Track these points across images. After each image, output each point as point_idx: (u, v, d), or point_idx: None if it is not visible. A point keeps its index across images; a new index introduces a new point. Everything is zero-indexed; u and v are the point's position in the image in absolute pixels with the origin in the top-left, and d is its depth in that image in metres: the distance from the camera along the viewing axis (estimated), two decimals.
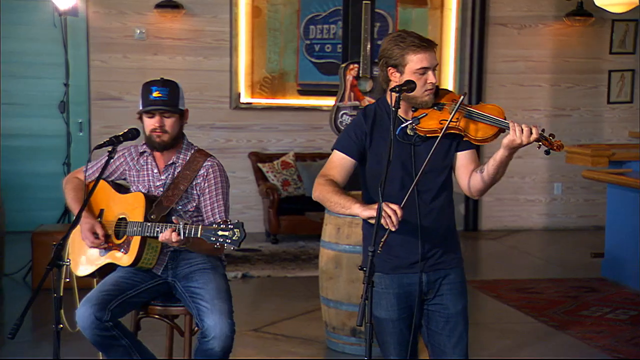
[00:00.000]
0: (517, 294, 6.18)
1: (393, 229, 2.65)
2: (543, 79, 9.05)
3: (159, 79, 3.43)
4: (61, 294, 2.78)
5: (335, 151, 2.99)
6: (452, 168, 3.00)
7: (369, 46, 5.03)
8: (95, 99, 8.07)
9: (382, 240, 2.67)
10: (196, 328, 3.32)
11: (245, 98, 8.32)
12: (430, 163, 2.85)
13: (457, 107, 2.82)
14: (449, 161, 2.97)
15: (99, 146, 3.14)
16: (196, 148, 3.49)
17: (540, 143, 2.75)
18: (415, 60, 2.85)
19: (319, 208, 4.86)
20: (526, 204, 9.15)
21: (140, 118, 3.39)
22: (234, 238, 2.88)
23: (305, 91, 8.44)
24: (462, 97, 2.86)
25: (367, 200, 2.99)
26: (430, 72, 2.85)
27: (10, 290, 5.96)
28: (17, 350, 4.67)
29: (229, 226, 2.89)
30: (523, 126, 2.74)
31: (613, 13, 7.37)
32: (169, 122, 3.34)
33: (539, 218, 9.17)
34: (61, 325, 2.80)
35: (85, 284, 3.53)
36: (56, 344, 2.77)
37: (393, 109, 2.74)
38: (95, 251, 3.42)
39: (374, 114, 2.97)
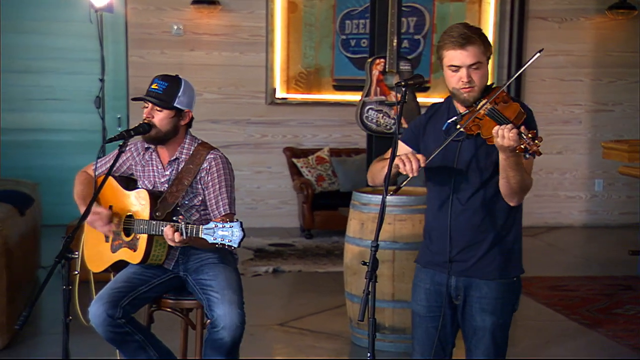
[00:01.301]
0: (550, 291, 6.08)
1: (411, 175, 2.70)
2: (584, 73, 8.88)
3: (168, 74, 3.45)
4: (70, 287, 2.82)
5: (399, 141, 3.00)
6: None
7: (395, 41, 4.99)
8: (133, 95, 8.17)
9: (401, 185, 2.78)
10: (207, 320, 3.33)
11: (280, 93, 8.34)
12: (469, 161, 2.82)
13: (483, 104, 2.76)
14: (492, 162, 2.84)
15: (110, 140, 3.17)
16: (199, 141, 3.49)
17: (522, 146, 2.60)
18: (447, 57, 2.81)
19: None
20: (566, 200, 9.00)
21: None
22: (233, 238, 2.87)
23: (340, 86, 8.42)
24: (493, 95, 2.78)
25: (429, 190, 3.00)
26: (463, 70, 2.77)
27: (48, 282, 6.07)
28: (49, 342, 4.76)
29: (227, 226, 2.89)
30: (505, 128, 2.61)
31: None
32: (158, 116, 3.34)
33: (579, 215, 9.01)
34: (70, 318, 2.84)
35: (102, 277, 3.57)
36: (65, 336, 2.81)
37: (398, 103, 2.72)
38: (107, 249, 3.45)
39: (436, 109, 2.97)
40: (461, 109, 2.88)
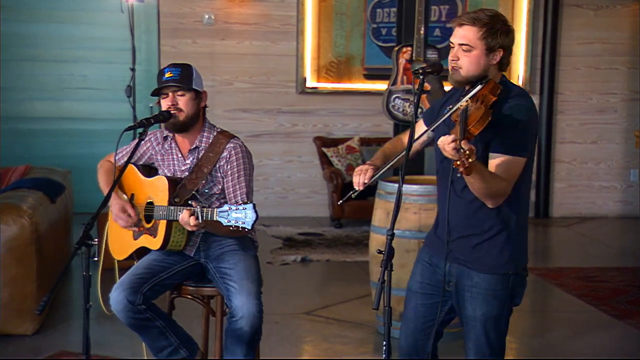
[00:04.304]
0: (581, 282, 6.01)
1: (357, 188, 2.87)
2: (620, 62, 8.73)
3: (174, 62, 3.49)
4: (90, 273, 2.86)
5: (422, 119, 3.05)
6: None
7: (422, 29, 4.95)
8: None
9: (346, 197, 2.93)
10: (227, 309, 3.35)
11: (311, 82, 8.33)
12: None
13: (463, 100, 2.68)
14: (485, 156, 2.78)
15: (130, 128, 3.20)
16: (219, 130, 3.50)
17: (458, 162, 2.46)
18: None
19: None
20: (601, 190, 8.87)
21: (160, 104, 3.44)
22: (246, 219, 2.90)
23: (371, 75, 8.38)
24: (473, 91, 2.70)
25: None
26: (454, 48, 2.77)
27: (77, 268, 6.14)
28: (78, 327, 4.81)
29: (240, 208, 2.91)
30: (446, 140, 2.47)
31: None
32: (182, 100, 3.36)
33: (614, 205, 8.87)
34: (90, 304, 2.88)
35: (127, 264, 3.61)
36: (86, 322, 2.85)
37: (416, 91, 2.70)
38: (129, 236, 3.49)
39: (452, 93, 2.94)
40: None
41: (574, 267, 6.50)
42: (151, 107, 8.12)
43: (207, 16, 8.19)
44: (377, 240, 4.76)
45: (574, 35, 8.63)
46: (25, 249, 4.52)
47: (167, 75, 3.36)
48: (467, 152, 2.41)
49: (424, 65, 2.82)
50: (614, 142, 8.77)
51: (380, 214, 4.73)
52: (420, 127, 3.01)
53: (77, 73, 8.20)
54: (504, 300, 2.84)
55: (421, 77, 2.72)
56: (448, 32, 8.40)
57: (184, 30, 8.17)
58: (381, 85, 8.27)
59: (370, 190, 7.68)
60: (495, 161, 2.71)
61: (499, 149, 2.70)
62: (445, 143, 2.46)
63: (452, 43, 2.79)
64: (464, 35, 2.75)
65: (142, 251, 3.47)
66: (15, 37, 7.96)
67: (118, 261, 3.56)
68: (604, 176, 8.85)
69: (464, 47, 2.74)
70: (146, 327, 3.30)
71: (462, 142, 2.44)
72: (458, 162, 2.42)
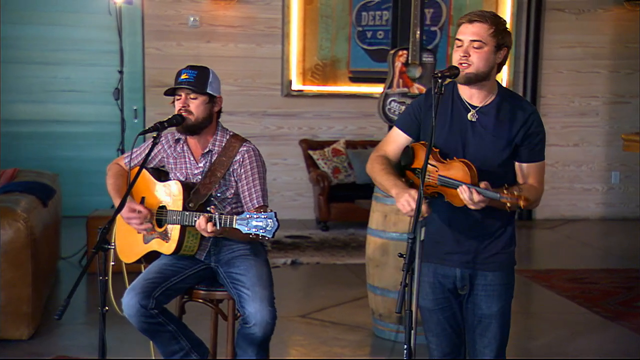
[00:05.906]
0: (571, 284, 6.07)
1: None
2: (602, 65, 8.83)
3: (193, 64, 3.47)
4: (107, 277, 2.82)
5: (395, 127, 3.01)
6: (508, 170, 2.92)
7: (418, 32, 4.97)
8: (150, 86, 8.16)
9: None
10: (238, 314, 3.34)
11: (296, 85, 8.32)
12: (472, 160, 2.80)
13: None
14: (499, 161, 2.86)
15: (144, 132, 3.17)
16: (231, 133, 3.50)
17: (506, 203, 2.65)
18: (457, 33, 2.84)
19: (370, 195, 4.89)
20: (583, 192, 8.96)
21: (174, 104, 3.42)
22: (267, 228, 2.89)
23: (356, 78, 8.40)
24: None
25: None
26: (464, 45, 2.77)
27: (66, 273, 6.09)
28: (73, 332, 4.78)
29: (262, 216, 2.90)
30: (464, 192, 2.69)
31: None
32: (194, 103, 3.35)
33: (596, 207, 8.97)
34: (107, 308, 2.85)
35: (134, 268, 3.58)
36: (102, 327, 2.81)
37: (435, 94, 2.70)
38: (139, 239, 3.46)
39: (428, 96, 2.90)
40: (465, 94, 2.86)
41: (562, 268, 6.55)
42: (135, 109, 8.08)
43: (192, 19, 8.15)
44: (374, 243, 4.76)
45: (556, 38, 8.72)
46: (20, 252, 4.46)
47: (183, 76, 3.34)
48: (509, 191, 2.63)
49: (443, 69, 2.79)
50: (595, 145, 8.87)
51: (377, 217, 4.73)
52: (398, 135, 2.97)
53: (62, 75, 8.12)
54: (512, 290, 2.99)
55: (440, 80, 2.71)
56: (433, 36, 8.45)
57: (168, 32, 8.12)
58: (366, 88, 8.31)
59: (357, 192, 7.72)
60: (529, 169, 2.90)
61: (530, 159, 2.90)
62: (465, 195, 2.68)
63: (459, 40, 2.79)
64: (475, 32, 2.77)
65: (151, 255, 3.44)
66: (1, 39, 7.85)
67: (126, 265, 3.52)
68: (585, 178, 8.94)
69: (476, 44, 2.77)
70: (158, 331, 3.27)
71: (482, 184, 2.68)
72: (502, 202, 2.65)
